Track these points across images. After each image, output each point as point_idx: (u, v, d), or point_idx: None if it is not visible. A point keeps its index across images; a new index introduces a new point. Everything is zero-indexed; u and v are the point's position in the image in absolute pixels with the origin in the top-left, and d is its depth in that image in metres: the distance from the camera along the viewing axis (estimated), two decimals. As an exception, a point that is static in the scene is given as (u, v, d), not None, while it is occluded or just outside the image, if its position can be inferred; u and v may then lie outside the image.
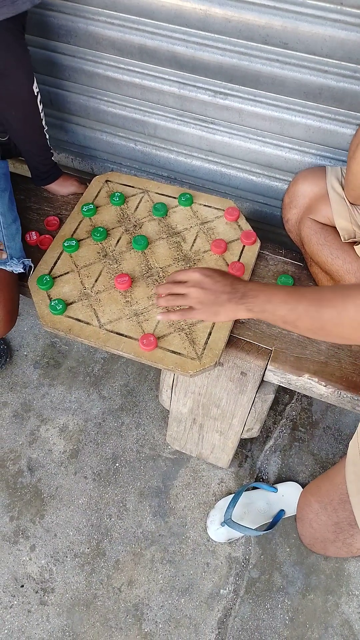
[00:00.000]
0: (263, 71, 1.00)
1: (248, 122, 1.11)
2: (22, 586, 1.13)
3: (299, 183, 0.97)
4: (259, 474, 1.28)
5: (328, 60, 0.94)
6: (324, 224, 0.95)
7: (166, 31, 1.02)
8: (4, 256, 0.98)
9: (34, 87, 0.96)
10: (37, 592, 1.12)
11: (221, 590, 1.13)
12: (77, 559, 1.16)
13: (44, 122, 1.04)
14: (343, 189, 0.92)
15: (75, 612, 1.10)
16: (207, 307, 0.76)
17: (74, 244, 1.03)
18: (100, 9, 1.04)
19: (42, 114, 1.02)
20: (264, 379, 0.98)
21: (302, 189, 0.96)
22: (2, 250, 0.98)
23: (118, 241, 1.06)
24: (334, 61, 0.94)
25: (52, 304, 0.95)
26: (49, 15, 1.09)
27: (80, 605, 1.11)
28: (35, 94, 0.98)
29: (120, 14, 1.03)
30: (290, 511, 1.19)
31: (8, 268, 0.97)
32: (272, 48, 0.96)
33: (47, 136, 1.07)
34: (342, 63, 0.93)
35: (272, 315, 0.71)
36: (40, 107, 1.00)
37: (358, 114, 1.00)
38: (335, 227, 0.93)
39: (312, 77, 0.97)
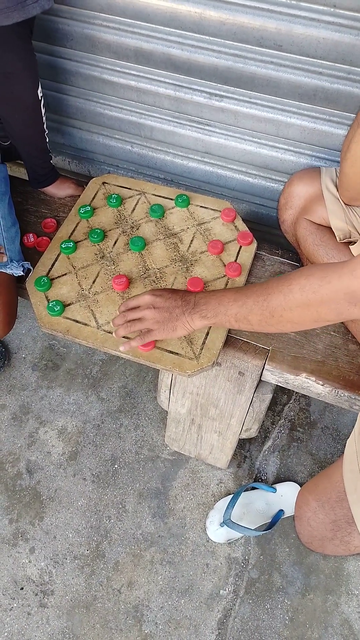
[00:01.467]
0: (258, 73, 1.01)
1: (243, 124, 1.12)
2: (22, 589, 1.12)
3: (294, 184, 0.98)
4: (258, 474, 1.28)
5: (322, 62, 0.95)
6: (319, 224, 0.95)
7: (161, 34, 1.03)
8: (4, 259, 0.98)
9: (39, 92, 0.97)
10: (36, 595, 1.12)
11: (221, 591, 1.13)
12: (76, 561, 1.16)
13: (45, 126, 1.04)
14: (337, 190, 0.93)
15: (75, 614, 1.10)
16: (163, 324, 0.80)
17: (71, 246, 1.04)
18: (96, 13, 1.05)
19: (44, 118, 1.03)
20: (262, 379, 0.98)
21: (298, 190, 0.97)
22: (2, 253, 0.99)
23: (115, 243, 1.06)
24: (328, 63, 0.94)
25: (50, 305, 0.95)
26: (45, 19, 1.10)
27: (80, 607, 1.11)
28: (40, 98, 0.98)
29: (116, 17, 1.04)
30: (289, 511, 1.20)
31: (8, 271, 0.97)
32: (266, 50, 0.97)
33: (48, 139, 1.08)
34: (336, 65, 0.94)
35: (225, 316, 0.74)
36: (44, 111, 1.01)
37: (352, 115, 1.00)
38: (330, 228, 0.94)
39: (306, 78, 0.98)
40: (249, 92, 1.05)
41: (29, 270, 1.02)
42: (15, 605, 1.11)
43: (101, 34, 1.08)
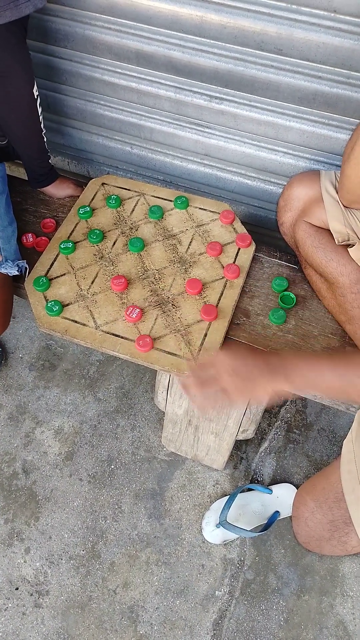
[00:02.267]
0: (258, 77, 1.02)
1: (243, 127, 1.12)
2: (17, 589, 1.12)
3: (294, 186, 0.98)
4: (254, 476, 1.28)
5: (322, 66, 0.95)
6: (318, 226, 0.96)
7: (163, 36, 1.03)
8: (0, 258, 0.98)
9: (34, 90, 0.97)
10: (31, 595, 1.12)
11: (216, 592, 1.13)
12: (72, 561, 1.15)
13: (42, 125, 1.05)
14: (337, 193, 0.94)
15: (70, 614, 1.10)
16: (241, 388, 0.68)
17: (70, 246, 1.04)
18: (97, 14, 1.06)
19: (41, 117, 1.03)
20: (259, 380, 0.98)
21: (297, 192, 0.98)
22: None
23: (114, 243, 1.07)
24: (328, 67, 0.95)
25: (49, 305, 0.95)
26: (46, 20, 1.10)
27: (75, 607, 1.11)
28: (35, 97, 0.98)
29: (118, 19, 1.05)
30: (285, 512, 1.20)
31: (3, 270, 0.97)
32: (267, 54, 0.98)
33: (46, 139, 1.08)
34: (336, 69, 0.95)
35: (315, 384, 0.65)
36: (40, 110, 1.01)
37: (351, 119, 1.01)
38: (329, 230, 0.94)
39: (306, 82, 0.99)
40: (249, 95, 1.06)
41: (25, 269, 1.02)
42: (10, 605, 1.10)
43: (102, 36, 1.09)
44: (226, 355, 0.70)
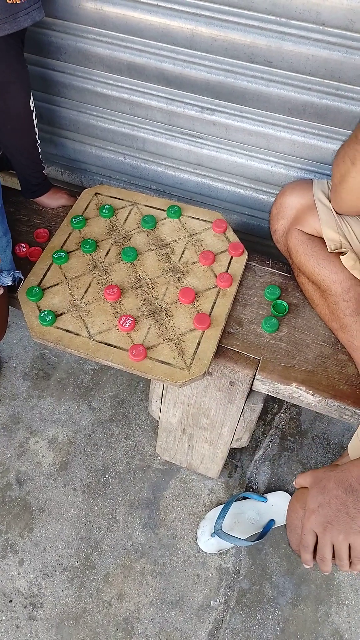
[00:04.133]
0: (249, 88, 1.03)
1: (235, 137, 1.13)
2: (11, 601, 1.11)
3: (287, 195, 0.99)
4: (249, 484, 1.28)
5: (311, 78, 0.97)
6: (310, 234, 0.97)
7: (154, 49, 1.05)
8: None
9: (31, 102, 0.98)
10: (25, 607, 1.11)
11: (212, 602, 1.13)
12: (66, 573, 1.15)
13: (37, 137, 1.05)
14: (329, 201, 0.94)
15: (64, 626, 1.09)
16: (337, 525, 0.70)
17: (63, 256, 1.04)
18: (89, 27, 1.07)
19: (36, 129, 1.03)
20: (253, 389, 0.99)
21: (290, 201, 0.99)
22: None
23: (107, 253, 1.07)
24: (317, 79, 0.97)
25: (42, 315, 0.95)
26: (39, 32, 1.11)
27: (70, 619, 1.10)
28: (32, 108, 0.99)
29: (109, 32, 1.06)
30: (280, 521, 1.20)
31: None
32: (257, 66, 0.99)
33: (40, 150, 1.09)
34: (325, 81, 0.96)
35: None
36: (35, 121, 1.02)
37: (340, 129, 1.02)
38: (321, 238, 0.95)
39: (296, 94, 1.00)
40: (240, 106, 1.07)
41: (20, 280, 1.02)
42: (3, 618, 1.09)
43: (94, 48, 1.10)
44: (312, 516, 0.72)
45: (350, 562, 0.72)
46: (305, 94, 1.00)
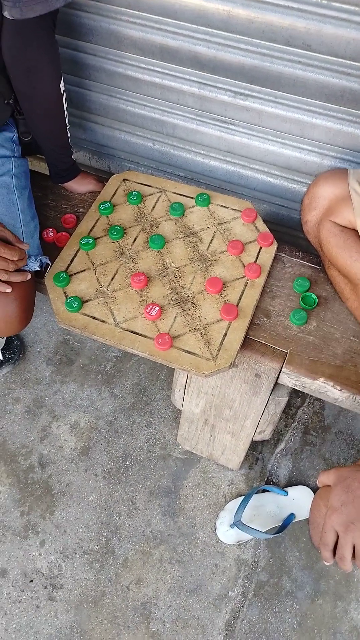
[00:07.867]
0: (285, 73, 1.00)
1: (268, 124, 1.10)
2: (31, 581, 1.13)
3: (320, 184, 0.96)
4: (270, 477, 1.27)
5: (351, 62, 0.93)
6: (343, 226, 0.94)
7: (188, 31, 1.02)
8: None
9: (61, 85, 0.97)
10: (45, 588, 1.13)
11: (229, 592, 1.13)
12: (86, 556, 1.16)
13: (67, 121, 1.04)
14: None
15: (83, 609, 1.11)
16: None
17: (90, 242, 1.04)
18: (122, 8, 1.05)
19: (66, 113, 1.02)
20: (278, 382, 0.97)
21: (323, 191, 0.96)
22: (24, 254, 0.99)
23: (135, 240, 1.06)
24: (357, 64, 0.93)
25: (68, 301, 0.95)
26: (71, 14, 1.10)
27: (89, 602, 1.11)
28: (62, 92, 0.98)
29: (143, 14, 1.03)
30: (301, 515, 1.19)
31: (24, 267, 0.98)
32: (294, 50, 0.96)
33: (69, 134, 1.08)
34: (366, 66, 0.93)
35: None
36: (65, 105, 1.01)
37: (380, 117, 0.99)
38: (355, 230, 0.92)
39: (334, 79, 0.97)
40: (275, 91, 1.04)
41: (47, 265, 1.02)
42: (24, 597, 1.12)
43: (127, 30, 1.08)
44: (333, 515, 0.70)
45: None
46: (345, 79, 0.96)
